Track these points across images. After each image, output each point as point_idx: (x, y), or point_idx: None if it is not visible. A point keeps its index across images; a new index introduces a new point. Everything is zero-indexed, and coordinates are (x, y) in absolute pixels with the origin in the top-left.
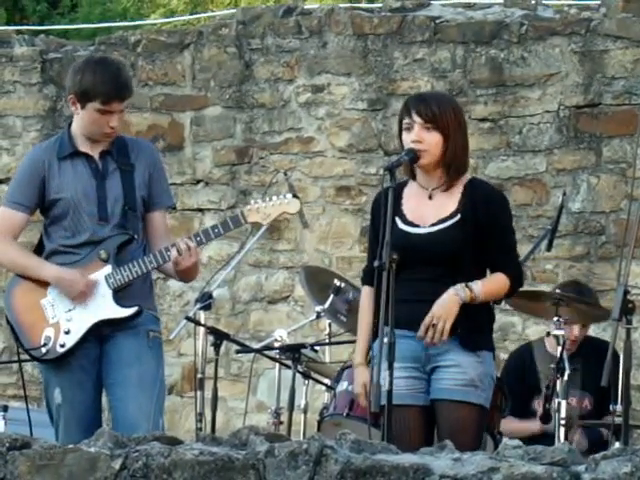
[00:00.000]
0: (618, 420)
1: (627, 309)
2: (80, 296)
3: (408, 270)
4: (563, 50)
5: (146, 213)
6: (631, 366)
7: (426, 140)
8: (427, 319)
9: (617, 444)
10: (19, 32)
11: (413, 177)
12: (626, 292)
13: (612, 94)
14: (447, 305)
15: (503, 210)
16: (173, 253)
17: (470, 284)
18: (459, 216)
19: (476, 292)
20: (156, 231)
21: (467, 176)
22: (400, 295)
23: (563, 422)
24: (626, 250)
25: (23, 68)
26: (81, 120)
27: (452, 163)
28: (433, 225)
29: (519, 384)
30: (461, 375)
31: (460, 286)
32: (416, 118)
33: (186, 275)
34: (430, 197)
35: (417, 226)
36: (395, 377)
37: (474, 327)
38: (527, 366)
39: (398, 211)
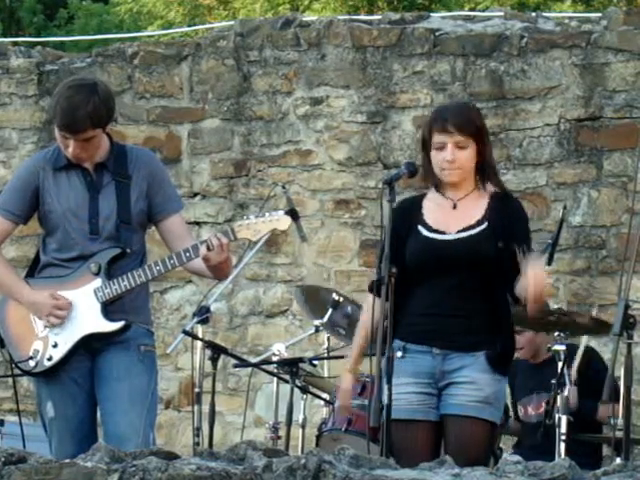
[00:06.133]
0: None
1: (628, 324)
2: (48, 318)
3: (430, 280)
4: (564, 63)
5: (158, 223)
6: (632, 381)
7: (460, 159)
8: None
9: (618, 460)
10: (15, 44)
11: (436, 186)
12: (627, 307)
13: (613, 107)
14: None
15: (526, 224)
16: (202, 250)
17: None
18: (486, 224)
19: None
20: (174, 237)
21: (490, 187)
22: (419, 308)
23: (564, 437)
24: (627, 264)
25: (19, 80)
26: None
27: (486, 168)
28: (460, 232)
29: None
30: (476, 392)
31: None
32: (448, 138)
33: (219, 271)
34: (454, 207)
35: (443, 233)
36: (408, 392)
37: (504, 351)
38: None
39: (420, 221)
